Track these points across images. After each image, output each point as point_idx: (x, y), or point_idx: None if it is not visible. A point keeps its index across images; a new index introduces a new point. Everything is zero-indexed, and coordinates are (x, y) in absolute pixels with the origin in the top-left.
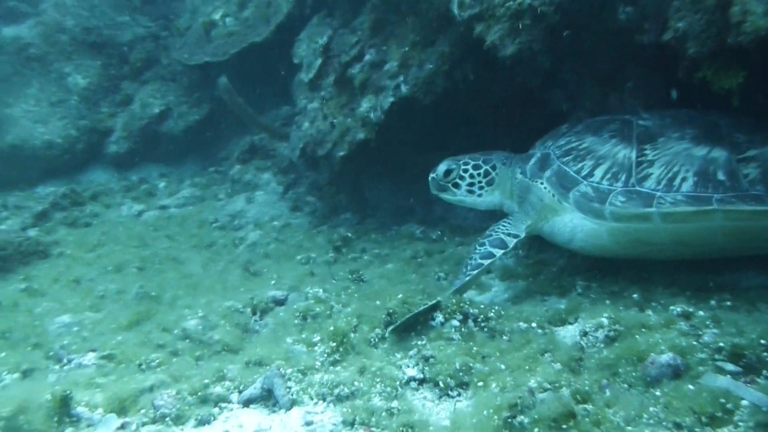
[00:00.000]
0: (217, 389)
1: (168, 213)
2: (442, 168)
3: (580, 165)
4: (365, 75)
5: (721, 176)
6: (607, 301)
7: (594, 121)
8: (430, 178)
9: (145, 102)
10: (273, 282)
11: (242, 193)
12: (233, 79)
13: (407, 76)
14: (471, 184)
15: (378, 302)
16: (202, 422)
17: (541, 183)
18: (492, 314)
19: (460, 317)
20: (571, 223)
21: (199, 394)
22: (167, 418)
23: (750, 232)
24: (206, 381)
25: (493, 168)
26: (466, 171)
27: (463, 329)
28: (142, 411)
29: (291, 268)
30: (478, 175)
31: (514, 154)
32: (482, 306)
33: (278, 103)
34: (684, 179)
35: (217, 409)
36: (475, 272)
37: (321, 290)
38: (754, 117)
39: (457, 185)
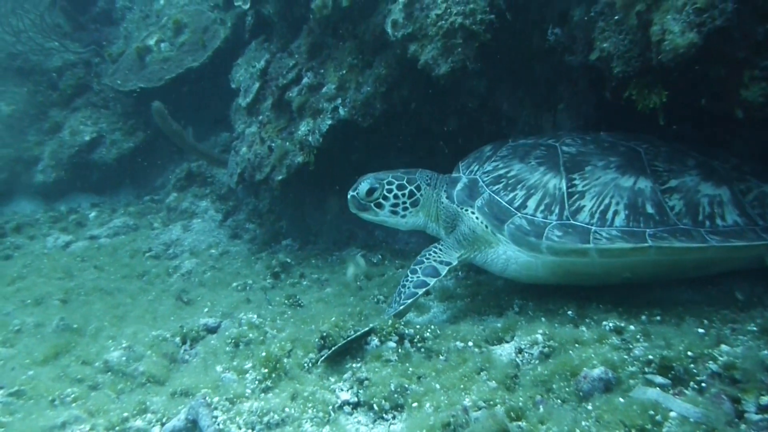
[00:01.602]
0: (138, 423)
1: (98, 243)
2: (364, 187)
3: (511, 195)
4: (303, 98)
5: (650, 209)
6: (543, 319)
7: (518, 146)
8: (350, 197)
9: (75, 129)
10: (206, 310)
11: (178, 222)
12: (170, 105)
13: (345, 98)
14: (395, 205)
15: (314, 326)
16: None
17: (473, 212)
18: (428, 334)
19: (396, 338)
20: (505, 255)
21: (117, 429)
22: None
23: (678, 264)
24: (125, 414)
25: (418, 189)
26: (390, 191)
27: (399, 350)
28: None
29: (226, 296)
30: (403, 195)
31: (438, 175)
32: (418, 326)
33: (217, 130)
34: (616, 212)
35: None
36: (409, 301)
37: (255, 316)
38: (664, 140)
39: (380, 205)
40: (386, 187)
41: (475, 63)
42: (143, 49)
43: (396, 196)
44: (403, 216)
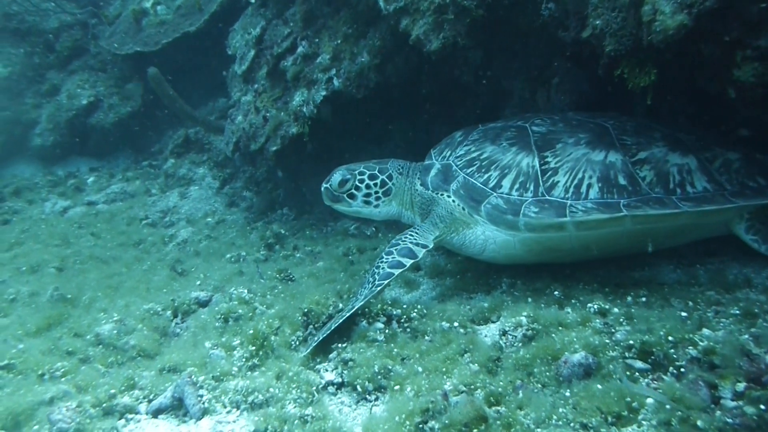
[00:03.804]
0: (125, 399)
1: (95, 209)
2: (336, 178)
3: (486, 176)
4: (298, 68)
5: (622, 180)
6: (530, 299)
7: (489, 129)
8: (323, 188)
9: (72, 93)
10: (198, 282)
11: (176, 188)
12: (167, 70)
13: (339, 69)
14: (367, 195)
15: (303, 304)
16: None
17: (448, 196)
18: (415, 314)
19: (384, 319)
20: (483, 236)
21: (104, 405)
22: None
23: (652, 233)
24: (113, 391)
25: (390, 178)
26: (362, 181)
27: (386, 331)
28: (36, 427)
29: (220, 267)
30: (375, 185)
31: (409, 163)
32: (405, 306)
33: (215, 95)
34: (590, 186)
35: (122, 421)
36: (384, 282)
37: (246, 291)
38: (631, 116)
39: (352, 196)
40: (358, 177)
41: (467, 39)
42: (139, 12)
43: (368, 186)
44: (376, 206)
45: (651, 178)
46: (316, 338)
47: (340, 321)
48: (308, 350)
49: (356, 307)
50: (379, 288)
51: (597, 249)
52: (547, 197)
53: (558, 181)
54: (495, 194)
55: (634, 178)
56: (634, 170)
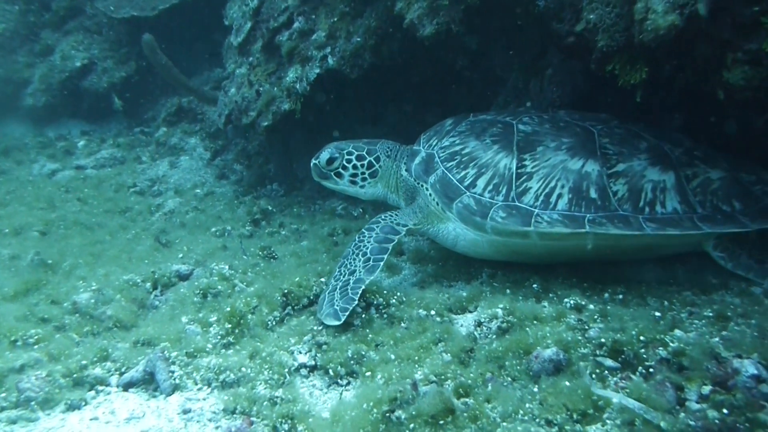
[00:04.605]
0: (97, 371)
1: (84, 174)
2: (324, 156)
3: (463, 173)
4: (293, 43)
5: (593, 194)
6: (508, 291)
7: (477, 122)
8: (312, 165)
9: (66, 54)
10: (181, 255)
11: (166, 157)
12: (163, 36)
13: (334, 47)
14: (354, 175)
15: (283, 284)
16: (72, 407)
17: (426, 188)
18: (394, 300)
19: (363, 305)
20: (455, 232)
21: (75, 376)
22: (32, 402)
23: (618, 248)
24: (85, 362)
25: (377, 160)
26: (349, 161)
27: (364, 316)
28: (4, 394)
29: (204, 241)
30: (362, 166)
31: (399, 146)
32: (385, 292)
33: (211, 65)
34: (560, 196)
35: (92, 393)
36: (384, 256)
37: (227, 267)
38: (623, 119)
39: (339, 174)
40: (346, 157)
41: (461, 26)
42: None
43: (355, 167)
44: (362, 186)
45: (623, 194)
46: (335, 307)
47: (359, 291)
48: (342, 320)
49: (366, 281)
50: (380, 264)
51: (563, 257)
52: (517, 203)
53: (530, 187)
54: (468, 193)
55: (605, 191)
56: (608, 183)
